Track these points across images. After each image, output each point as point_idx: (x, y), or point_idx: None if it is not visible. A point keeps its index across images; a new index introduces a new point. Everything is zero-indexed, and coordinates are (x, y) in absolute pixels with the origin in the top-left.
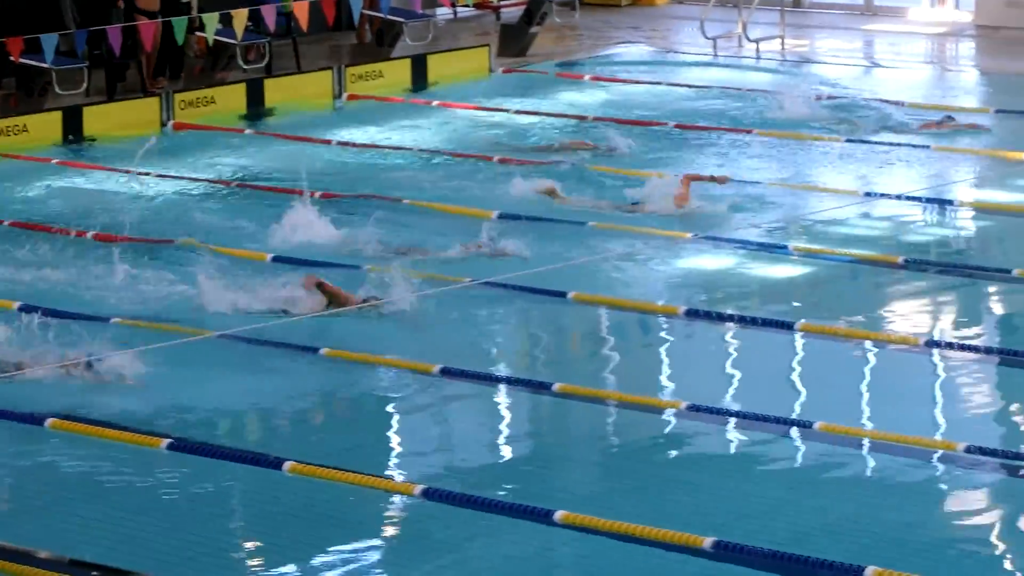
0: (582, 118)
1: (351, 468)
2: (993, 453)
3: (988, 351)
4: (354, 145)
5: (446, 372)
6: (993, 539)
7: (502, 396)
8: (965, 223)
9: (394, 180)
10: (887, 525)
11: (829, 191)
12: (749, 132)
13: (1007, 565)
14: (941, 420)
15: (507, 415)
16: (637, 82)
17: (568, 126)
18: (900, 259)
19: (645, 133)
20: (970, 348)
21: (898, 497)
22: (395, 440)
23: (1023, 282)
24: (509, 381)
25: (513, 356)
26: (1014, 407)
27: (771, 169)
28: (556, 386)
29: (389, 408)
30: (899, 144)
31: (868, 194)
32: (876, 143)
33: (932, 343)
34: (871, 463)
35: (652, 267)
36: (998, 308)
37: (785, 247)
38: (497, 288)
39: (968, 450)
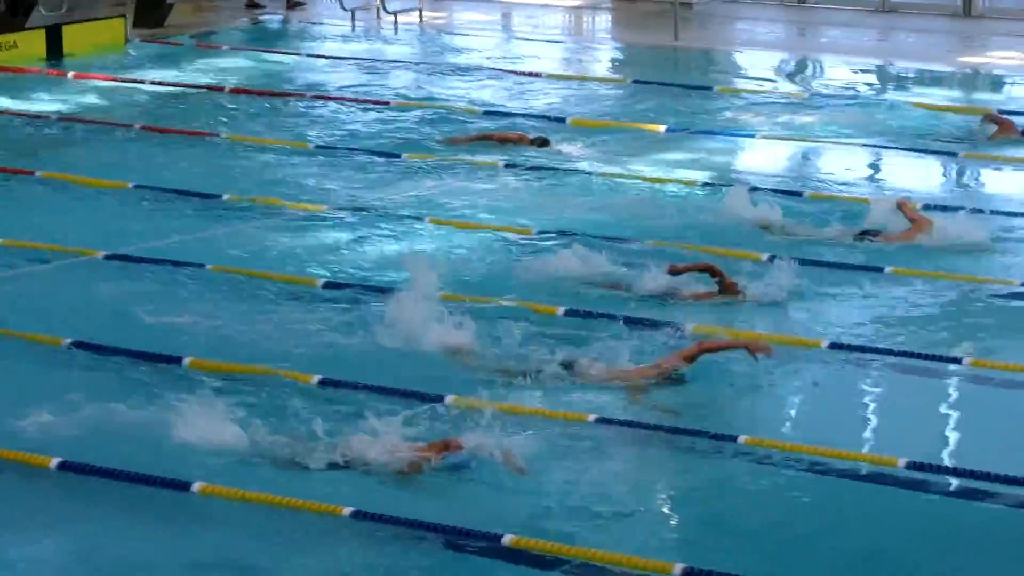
0: (219, 89)
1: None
2: (621, 423)
3: (609, 318)
4: None
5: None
6: (623, 502)
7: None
8: (602, 194)
9: (31, 150)
10: (524, 494)
11: (467, 163)
12: (387, 104)
13: (644, 527)
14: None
15: (139, 389)
16: (275, 52)
17: (206, 97)
18: (534, 231)
19: (282, 103)
20: (605, 316)
21: (535, 467)
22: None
23: (657, 252)
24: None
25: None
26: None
27: (408, 142)
28: (187, 361)
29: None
30: (540, 115)
31: (508, 165)
32: (514, 115)
33: (571, 312)
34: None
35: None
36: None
37: (421, 217)
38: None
39: (599, 421)
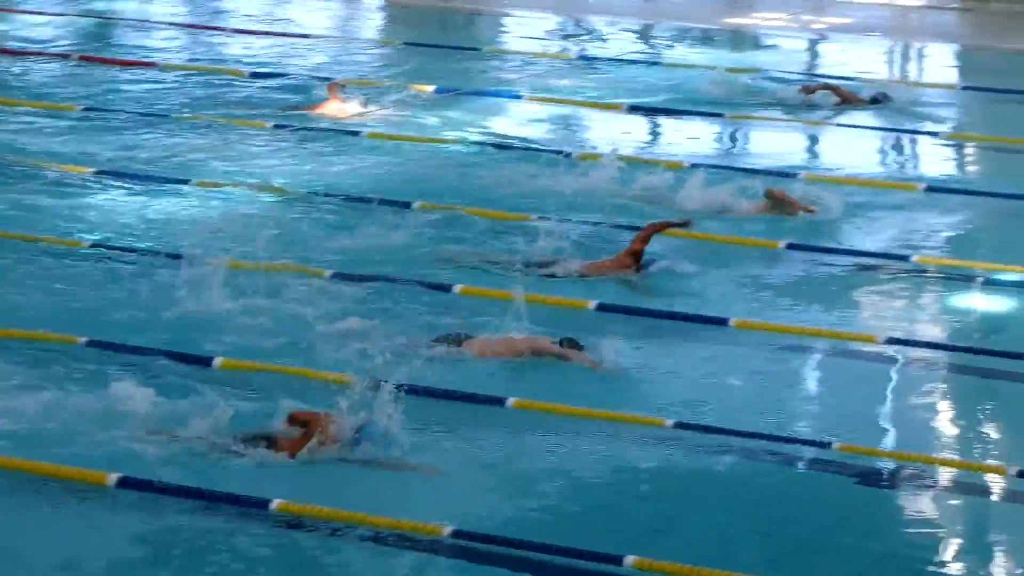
0: None
1: None
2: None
3: (391, 280)
4: None
5: None
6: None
7: None
8: (373, 155)
9: None
10: (293, 463)
11: (237, 124)
12: (154, 65)
13: (421, 493)
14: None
15: None
16: (40, 13)
17: None
18: (304, 192)
19: (48, 64)
20: (387, 280)
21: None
22: None
23: (430, 213)
24: None
25: None
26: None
27: (175, 103)
28: None
29: None
30: (309, 76)
31: (277, 127)
32: (282, 76)
33: (338, 276)
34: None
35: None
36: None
37: (188, 180)
38: None
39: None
